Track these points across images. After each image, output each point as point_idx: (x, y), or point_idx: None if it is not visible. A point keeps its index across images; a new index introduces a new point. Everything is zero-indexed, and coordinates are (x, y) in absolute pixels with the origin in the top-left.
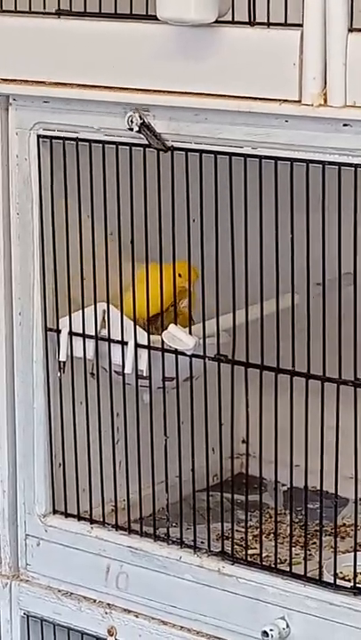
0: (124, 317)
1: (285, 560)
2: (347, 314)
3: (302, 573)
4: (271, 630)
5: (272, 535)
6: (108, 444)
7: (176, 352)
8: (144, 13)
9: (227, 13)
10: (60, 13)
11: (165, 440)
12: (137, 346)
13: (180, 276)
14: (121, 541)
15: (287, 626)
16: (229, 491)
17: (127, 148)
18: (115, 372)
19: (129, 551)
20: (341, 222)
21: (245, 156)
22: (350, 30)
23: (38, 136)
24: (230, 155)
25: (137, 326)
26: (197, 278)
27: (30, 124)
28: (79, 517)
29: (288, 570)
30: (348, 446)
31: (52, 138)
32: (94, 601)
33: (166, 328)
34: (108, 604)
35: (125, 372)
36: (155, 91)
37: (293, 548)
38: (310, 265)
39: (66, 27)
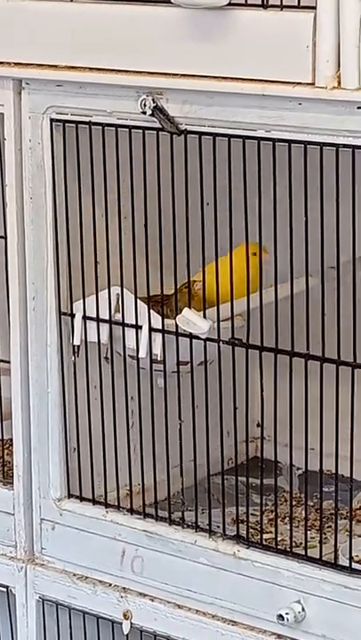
0: (138, 301)
1: (301, 544)
2: None
3: (318, 557)
4: (287, 614)
5: (287, 519)
6: (123, 428)
7: (190, 336)
8: None
9: None
10: None
11: (180, 424)
12: (151, 330)
13: (254, 254)
14: (136, 525)
15: (303, 609)
16: (244, 474)
17: (140, 131)
18: (129, 356)
19: (144, 535)
20: (356, 205)
21: (259, 139)
22: None
23: (51, 120)
24: (244, 138)
25: (151, 310)
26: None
27: (43, 108)
28: (94, 501)
29: (303, 553)
30: None
31: (64, 121)
32: (110, 585)
33: (180, 312)
34: (124, 588)
35: (140, 356)
36: (168, 74)
37: (309, 532)
38: (325, 248)
39: (78, 10)
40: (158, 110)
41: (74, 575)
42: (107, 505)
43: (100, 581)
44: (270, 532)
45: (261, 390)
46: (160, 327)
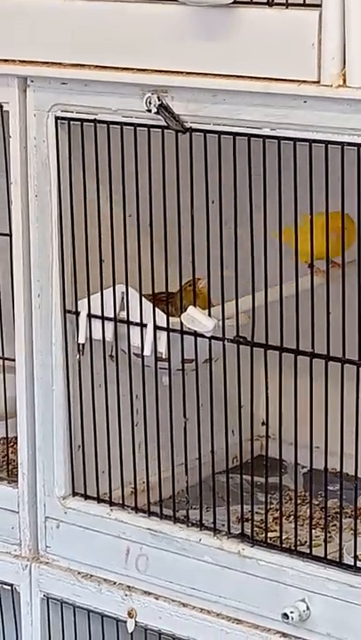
0: (143, 299)
1: (305, 542)
2: None
3: (322, 555)
4: (291, 612)
5: (292, 517)
6: (128, 426)
7: (195, 334)
8: None
9: None
10: None
11: (185, 422)
12: (156, 328)
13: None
14: (140, 523)
15: (307, 608)
16: (249, 473)
17: (145, 129)
18: (134, 354)
19: (149, 533)
20: None
21: (264, 137)
22: None
23: (56, 118)
24: (249, 136)
25: (156, 308)
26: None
27: (48, 106)
28: (99, 499)
29: (308, 552)
30: None
31: (70, 119)
32: (114, 583)
33: (185, 310)
34: (128, 587)
35: (144, 354)
36: (173, 72)
37: (313, 531)
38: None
39: (84, 8)
40: (163, 108)
41: (78, 573)
42: (111, 503)
43: (105, 579)
44: (275, 531)
45: (266, 388)
46: (165, 325)
